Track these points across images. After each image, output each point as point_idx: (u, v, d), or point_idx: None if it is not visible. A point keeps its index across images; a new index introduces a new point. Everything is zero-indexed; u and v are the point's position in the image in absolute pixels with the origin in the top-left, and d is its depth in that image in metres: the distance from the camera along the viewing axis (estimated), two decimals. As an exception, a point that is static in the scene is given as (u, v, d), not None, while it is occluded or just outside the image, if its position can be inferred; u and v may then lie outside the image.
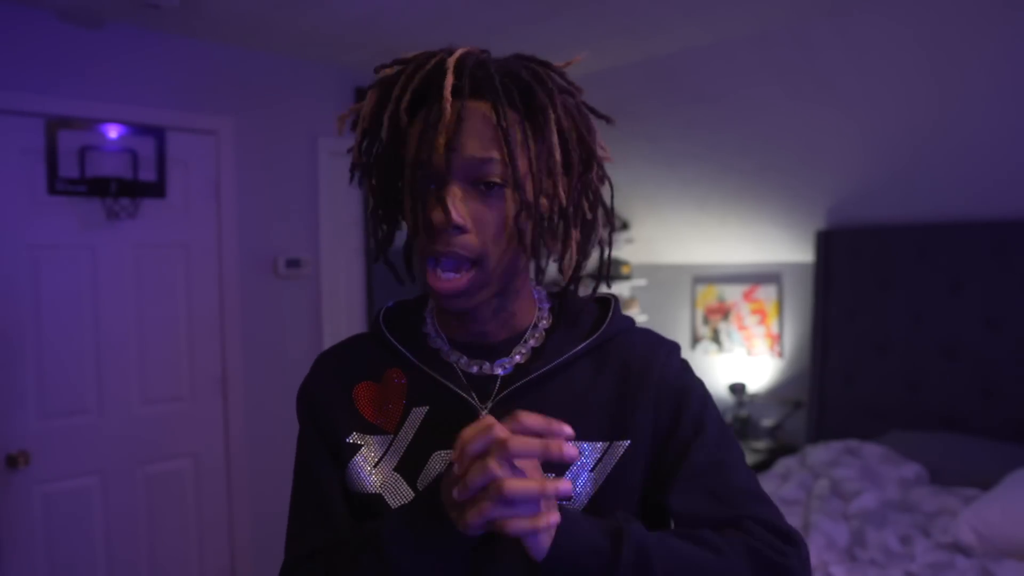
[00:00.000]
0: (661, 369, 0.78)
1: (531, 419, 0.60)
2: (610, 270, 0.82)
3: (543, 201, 0.74)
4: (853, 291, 3.13)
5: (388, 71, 0.75)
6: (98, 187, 2.55)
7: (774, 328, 3.54)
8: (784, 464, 2.84)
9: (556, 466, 0.73)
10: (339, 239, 3.21)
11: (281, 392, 3.02)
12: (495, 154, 0.69)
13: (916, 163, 2.84)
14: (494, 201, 0.71)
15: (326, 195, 3.15)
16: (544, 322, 0.82)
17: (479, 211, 0.70)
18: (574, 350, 0.78)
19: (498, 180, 0.70)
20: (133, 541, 2.70)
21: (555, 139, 0.72)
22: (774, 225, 3.44)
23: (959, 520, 2.10)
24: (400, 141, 0.74)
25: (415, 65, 0.73)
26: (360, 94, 0.74)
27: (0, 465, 2.41)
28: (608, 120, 0.80)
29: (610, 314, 0.82)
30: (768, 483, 2.69)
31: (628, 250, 4.08)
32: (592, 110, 0.78)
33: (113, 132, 2.60)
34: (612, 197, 0.81)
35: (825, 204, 3.21)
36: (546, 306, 0.84)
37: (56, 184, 2.49)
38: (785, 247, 3.47)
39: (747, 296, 3.65)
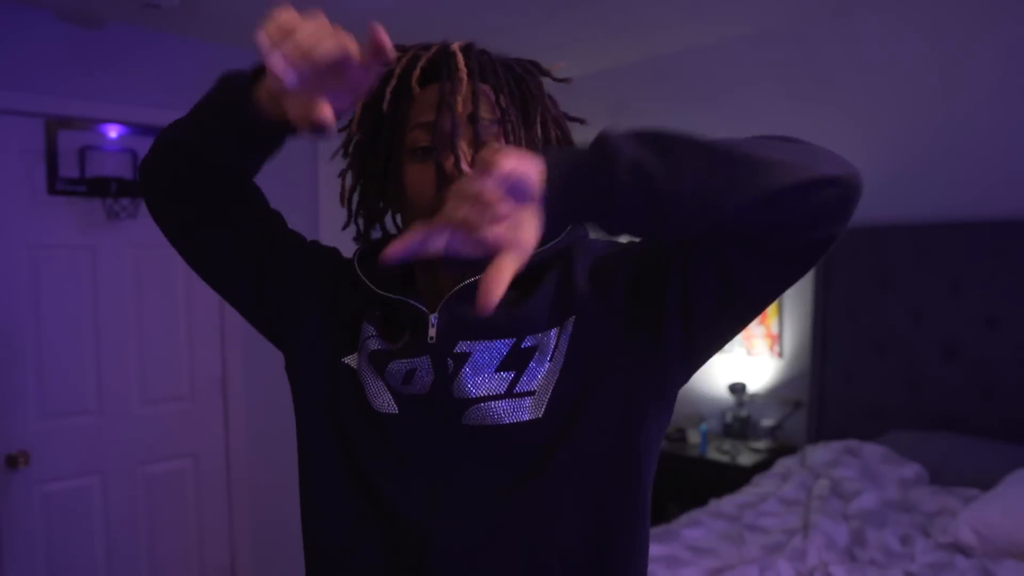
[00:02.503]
0: (588, 250, 0.80)
1: None
2: None
3: None
4: (853, 291, 3.12)
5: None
6: (98, 187, 2.55)
7: (774, 328, 3.54)
8: (784, 464, 2.83)
9: (518, 362, 0.73)
10: (339, 239, 3.21)
11: (281, 392, 3.01)
12: (497, 130, 0.74)
13: (916, 163, 2.84)
14: None
15: (326, 195, 3.15)
16: None
17: None
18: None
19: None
20: (133, 541, 2.70)
21: (539, 128, 0.77)
22: (774, 225, 3.43)
23: (959, 520, 2.10)
24: (400, 113, 0.76)
25: (415, 51, 0.77)
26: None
27: (0, 465, 2.41)
28: (582, 122, 0.85)
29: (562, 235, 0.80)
30: (768, 483, 2.69)
31: (628, 250, 4.08)
32: (566, 115, 0.84)
33: (113, 132, 2.60)
34: None
35: (825, 204, 3.21)
36: None
37: (56, 184, 2.49)
38: (785, 247, 3.47)
39: (747, 296, 3.65)
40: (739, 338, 3.69)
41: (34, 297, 2.49)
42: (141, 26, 2.66)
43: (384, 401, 0.76)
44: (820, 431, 3.19)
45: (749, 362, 3.63)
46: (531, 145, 0.77)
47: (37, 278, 2.50)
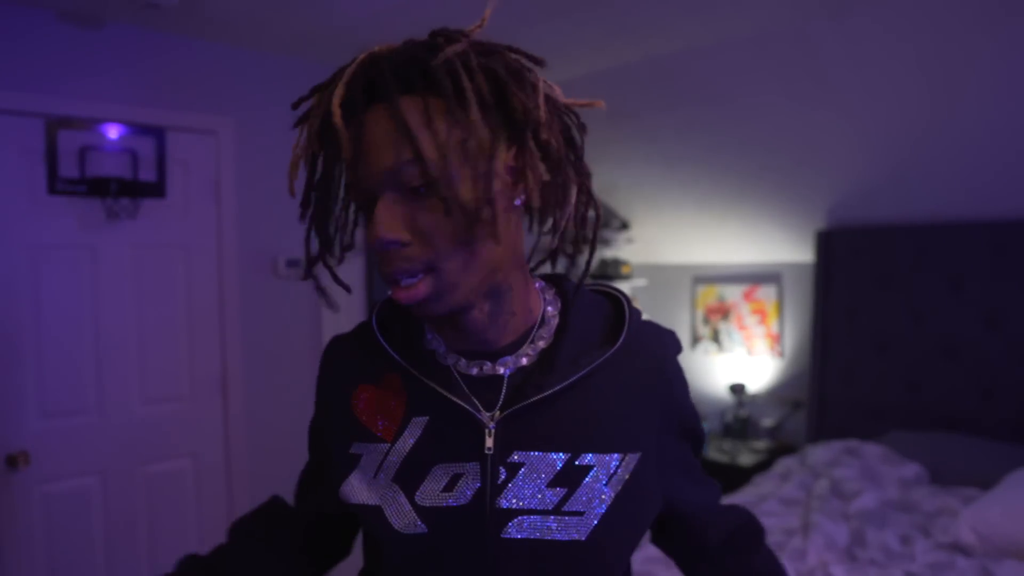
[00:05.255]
0: (668, 383, 0.78)
1: None
2: (591, 233, 0.74)
3: (481, 184, 0.64)
4: (853, 291, 3.13)
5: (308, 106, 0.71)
6: (98, 187, 2.55)
7: (774, 328, 3.54)
8: (784, 464, 2.84)
9: (572, 479, 0.70)
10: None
11: (281, 392, 3.02)
12: (407, 155, 0.62)
13: (916, 163, 2.85)
14: (432, 202, 0.63)
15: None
16: (553, 320, 0.76)
17: (416, 217, 0.63)
18: (590, 367, 0.72)
19: (421, 182, 0.63)
20: (133, 541, 2.70)
21: (474, 109, 0.62)
22: (774, 225, 3.44)
23: (959, 520, 2.10)
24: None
25: (319, 96, 0.68)
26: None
27: (0, 465, 2.41)
28: (539, 62, 0.69)
29: (626, 324, 0.75)
30: (768, 483, 2.69)
31: (628, 250, 4.08)
32: (523, 52, 0.69)
33: (113, 132, 2.60)
34: (583, 142, 0.71)
35: (825, 204, 3.21)
36: (551, 304, 0.77)
37: (56, 184, 2.49)
38: (785, 247, 3.47)
39: (747, 296, 3.65)
40: (739, 338, 3.69)
41: (34, 297, 2.49)
42: (141, 26, 2.66)
43: (409, 522, 0.71)
44: (820, 431, 3.19)
45: (749, 362, 3.63)
46: (463, 135, 0.63)
47: (37, 278, 2.50)
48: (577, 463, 0.70)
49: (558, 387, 0.70)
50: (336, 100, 0.63)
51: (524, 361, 0.73)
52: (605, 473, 0.71)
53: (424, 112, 0.62)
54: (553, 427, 0.71)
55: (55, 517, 2.52)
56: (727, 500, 2.55)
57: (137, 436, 2.71)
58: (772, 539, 2.21)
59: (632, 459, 0.72)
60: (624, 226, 4.02)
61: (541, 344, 0.74)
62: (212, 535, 2.91)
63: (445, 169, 0.62)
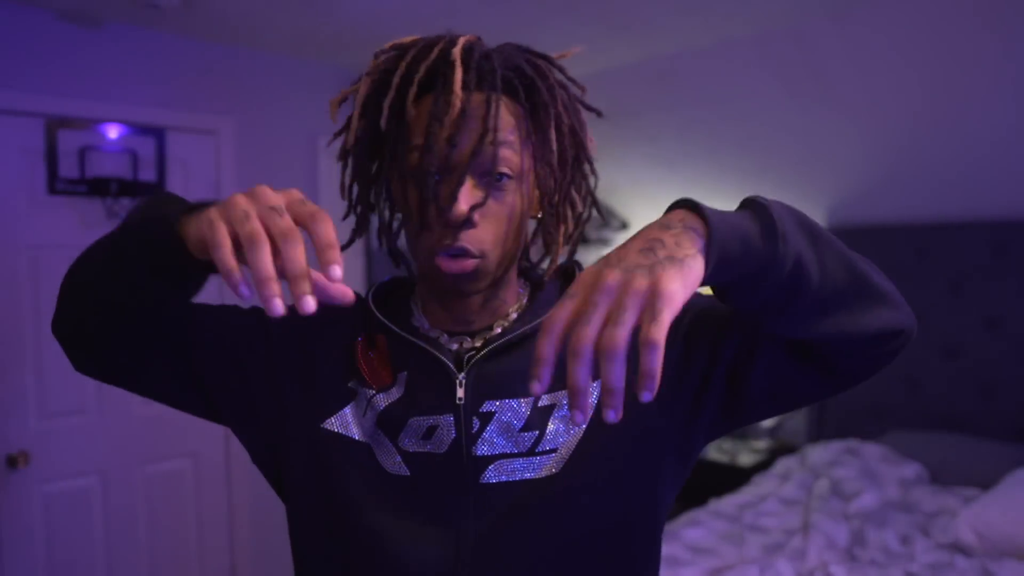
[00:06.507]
0: None
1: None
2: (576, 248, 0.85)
3: (537, 194, 0.78)
4: (853, 291, 3.12)
5: (386, 56, 0.75)
6: (98, 187, 2.55)
7: (774, 328, 3.55)
8: (784, 464, 2.83)
9: (540, 420, 0.74)
10: (339, 239, 3.21)
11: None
12: (506, 147, 0.70)
13: (916, 163, 2.85)
14: (500, 194, 0.71)
15: (326, 195, 3.15)
16: (524, 298, 0.83)
17: (487, 204, 0.71)
18: (542, 317, 0.76)
19: (508, 172, 0.71)
20: (133, 541, 2.70)
21: (553, 135, 0.74)
22: (774, 225, 3.44)
23: (959, 520, 2.10)
24: (399, 130, 0.73)
25: (416, 54, 0.73)
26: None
27: (0, 465, 2.41)
28: (598, 114, 0.81)
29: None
30: (768, 483, 2.69)
31: (628, 250, 4.08)
32: (584, 104, 0.80)
33: (113, 132, 2.60)
34: (595, 188, 0.84)
35: (825, 204, 3.21)
36: (523, 287, 0.85)
37: (56, 184, 2.49)
38: (785, 247, 3.47)
39: (747, 296, 3.65)
40: (739, 338, 3.69)
41: (34, 297, 2.49)
42: (141, 26, 2.66)
43: (395, 463, 0.75)
44: (820, 431, 3.19)
45: (749, 362, 3.63)
46: (544, 153, 0.74)
47: (37, 278, 2.50)
48: (540, 404, 0.75)
49: (515, 333, 0.76)
50: (458, 76, 0.69)
51: (498, 330, 0.79)
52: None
53: (525, 120, 0.74)
54: (516, 377, 0.75)
55: (55, 517, 2.52)
56: (726, 500, 2.55)
57: (137, 436, 2.71)
58: (772, 539, 2.21)
59: (594, 388, 0.74)
60: (624, 226, 4.02)
61: (513, 315, 0.81)
62: (212, 535, 2.91)
63: (529, 171, 0.74)
